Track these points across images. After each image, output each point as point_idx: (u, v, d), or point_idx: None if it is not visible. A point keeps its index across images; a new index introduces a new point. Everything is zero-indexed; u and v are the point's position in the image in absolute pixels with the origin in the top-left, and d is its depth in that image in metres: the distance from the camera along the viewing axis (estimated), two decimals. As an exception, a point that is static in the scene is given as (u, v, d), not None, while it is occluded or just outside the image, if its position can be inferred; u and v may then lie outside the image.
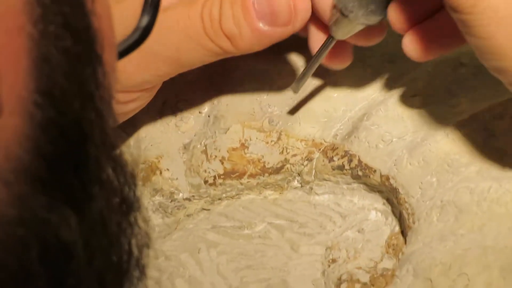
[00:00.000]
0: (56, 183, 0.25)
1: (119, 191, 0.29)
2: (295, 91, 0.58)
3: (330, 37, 0.55)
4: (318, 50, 0.56)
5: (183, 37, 0.53)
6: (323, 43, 0.56)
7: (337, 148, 0.57)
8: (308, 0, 0.53)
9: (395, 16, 0.52)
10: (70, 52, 0.25)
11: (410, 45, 0.52)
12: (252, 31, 0.53)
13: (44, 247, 0.24)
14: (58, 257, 0.25)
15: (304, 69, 0.57)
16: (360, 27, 0.54)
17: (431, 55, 0.53)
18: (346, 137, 0.57)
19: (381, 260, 0.54)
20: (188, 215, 0.59)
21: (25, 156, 0.24)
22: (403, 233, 0.54)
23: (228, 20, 0.53)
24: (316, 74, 0.60)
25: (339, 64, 0.57)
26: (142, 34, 0.33)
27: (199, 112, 0.62)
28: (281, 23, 0.53)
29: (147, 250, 0.30)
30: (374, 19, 0.53)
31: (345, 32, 0.54)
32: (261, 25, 0.53)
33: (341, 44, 0.56)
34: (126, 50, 0.33)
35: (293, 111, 0.60)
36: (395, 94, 0.58)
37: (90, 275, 0.27)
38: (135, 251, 0.30)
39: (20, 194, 0.24)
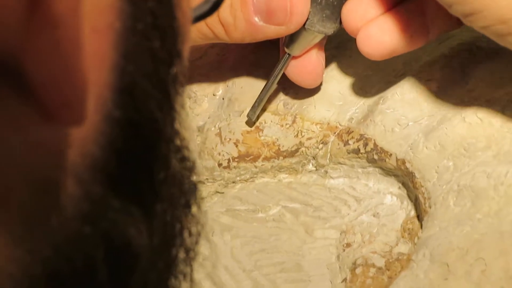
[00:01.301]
0: (127, 183, 0.25)
1: (182, 184, 0.28)
2: (252, 118, 0.58)
3: (286, 55, 0.56)
4: (274, 70, 0.56)
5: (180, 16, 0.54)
6: (279, 62, 0.56)
7: (353, 131, 0.57)
8: (306, 4, 0.53)
9: (348, 17, 0.53)
10: (155, 52, 0.25)
11: (364, 42, 0.52)
12: (246, 23, 0.53)
13: (110, 248, 0.24)
14: (124, 258, 0.25)
15: (260, 94, 0.58)
16: (316, 39, 0.55)
17: (384, 53, 0.53)
18: (362, 120, 0.57)
19: (397, 244, 0.53)
20: (201, 198, 0.59)
21: (100, 154, 0.23)
22: (419, 217, 0.54)
23: (226, 8, 0.53)
24: (332, 57, 0.60)
25: (309, 83, 0.58)
26: (213, 6, 0.33)
27: (213, 95, 0.62)
28: (276, 22, 0.53)
29: (199, 239, 0.30)
30: (329, 26, 0.54)
31: (301, 45, 0.55)
32: (256, 19, 0.53)
33: (313, 61, 0.56)
34: (194, 20, 0.32)
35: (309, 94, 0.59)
36: (412, 77, 0.57)
37: (154, 275, 0.27)
38: (189, 243, 0.29)
39: (91, 192, 0.24)
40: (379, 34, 0.52)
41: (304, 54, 0.56)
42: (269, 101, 0.59)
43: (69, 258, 0.23)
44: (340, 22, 0.54)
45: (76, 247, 0.23)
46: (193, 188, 0.29)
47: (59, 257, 0.23)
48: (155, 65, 0.25)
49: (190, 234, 0.29)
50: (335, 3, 0.54)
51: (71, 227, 0.23)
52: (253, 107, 0.58)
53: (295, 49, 0.56)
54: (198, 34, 0.55)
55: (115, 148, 0.24)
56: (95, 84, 0.22)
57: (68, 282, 0.24)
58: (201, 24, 0.54)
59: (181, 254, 0.29)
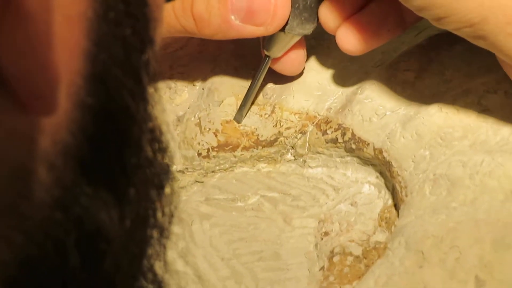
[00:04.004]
0: (99, 169, 0.25)
1: (155, 166, 0.29)
2: (239, 120, 0.58)
3: (266, 57, 0.56)
4: (256, 73, 0.57)
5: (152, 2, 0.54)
6: (260, 65, 0.56)
7: (331, 121, 0.57)
8: (288, 8, 0.53)
9: (325, 16, 0.54)
10: (127, 40, 0.25)
11: (343, 39, 0.53)
12: (221, 21, 0.53)
13: (82, 233, 0.25)
14: (95, 243, 0.26)
15: (244, 97, 0.58)
16: (294, 40, 0.55)
17: (364, 47, 0.54)
18: (340, 110, 0.57)
19: (374, 233, 0.54)
20: (181, 188, 0.59)
21: (71, 140, 0.24)
22: (396, 206, 0.54)
23: (202, 3, 0.53)
24: (311, 48, 0.60)
25: (292, 71, 0.58)
26: None
27: (194, 85, 0.62)
28: (256, 22, 0.53)
29: (172, 219, 0.30)
30: (308, 27, 0.55)
31: (281, 47, 0.56)
32: (232, 17, 0.53)
33: (294, 49, 0.57)
34: None
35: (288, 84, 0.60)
36: (390, 67, 0.57)
37: (126, 258, 0.27)
38: (162, 223, 0.30)
39: (63, 179, 0.24)
40: (358, 31, 0.53)
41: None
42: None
43: (40, 244, 0.23)
44: (317, 21, 0.55)
45: (47, 233, 0.24)
46: (166, 169, 0.29)
47: (30, 243, 0.23)
48: (127, 52, 0.25)
49: (163, 214, 0.30)
50: (312, 5, 0.54)
51: (43, 213, 0.23)
52: (239, 110, 0.58)
53: (275, 52, 0.56)
54: (166, 27, 0.54)
55: (87, 135, 0.24)
56: (67, 72, 0.23)
57: (40, 268, 0.24)
58: (171, 17, 0.53)
59: (154, 235, 0.29)
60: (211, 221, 0.57)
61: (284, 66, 0.57)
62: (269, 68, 0.58)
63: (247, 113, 0.59)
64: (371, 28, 0.53)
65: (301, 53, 0.57)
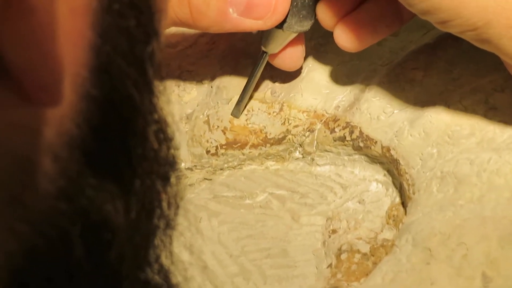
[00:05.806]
0: (104, 160, 0.26)
1: (160, 157, 0.29)
2: (236, 116, 0.59)
3: (263, 53, 0.56)
4: (253, 69, 0.57)
5: None
6: (258, 60, 0.57)
7: (339, 119, 0.57)
8: (288, 4, 0.54)
9: (323, 13, 0.54)
10: (131, 32, 0.26)
11: (341, 37, 0.53)
12: (218, 13, 0.53)
13: (87, 224, 0.25)
14: (100, 234, 0.26)
15: (242, 92, 0.59)
16: (292, 36, 0.56)
17: (362, 44, 0.54)
18: (348, 108, 0.57)
19: (382, 231, 0.54)
20: (190, 185, 0.59)
21: (76, 131, 0.24)
22: (404, 204, 0.54)
23: None
24: (319, 46, 0.61)
25: (290, 66, 0.58)
26: None
27: (202, 83, 0.62)
28: (254, 16, 0.53)
29: (178, 210, 0.31)
30: (306, 24, 0.55)
31: (278, 44, 0.56)
32: (230, 10, 0.53)
33: (292, 44, 0.57)
34: None
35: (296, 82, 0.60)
36: (397, 66, 0.58)
37: (130, 249, 0.28)
38: (167, 214, 0.30)
39: (67, 170, 0.24)
40: (355, 28, 0.53)
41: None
42: (256, 89, 0.60)
43: (45, 235, 0.24)
44: (315, 17, 0.55)
45: (52, 224, 0.24)
46: (172, 160, 0.30)
47: (36, 233, 0.23)
48: (131, 43, 0.26)
49: (169, 205, 0.30)
50: (311, 2, 0.54)
51: (48, 204, 0.24)
52: (237, 105, 0.59)
53: (273, 48, 0.57)
54: None
55: (92, 126, 0.24)
56: (72, 64, 0.23)
57: (45, 258, 0.24)
58: (168, 9, 0.54)
59: (160, 226, 0.30)
60: (220, 218, 0.57)
61: (283, 61, 0.58)
62: (272, 65, 0.58)
63: (244, 108, 0.59)
64: (369, 25, 0.53)
65: (300, 48, 0.57)
